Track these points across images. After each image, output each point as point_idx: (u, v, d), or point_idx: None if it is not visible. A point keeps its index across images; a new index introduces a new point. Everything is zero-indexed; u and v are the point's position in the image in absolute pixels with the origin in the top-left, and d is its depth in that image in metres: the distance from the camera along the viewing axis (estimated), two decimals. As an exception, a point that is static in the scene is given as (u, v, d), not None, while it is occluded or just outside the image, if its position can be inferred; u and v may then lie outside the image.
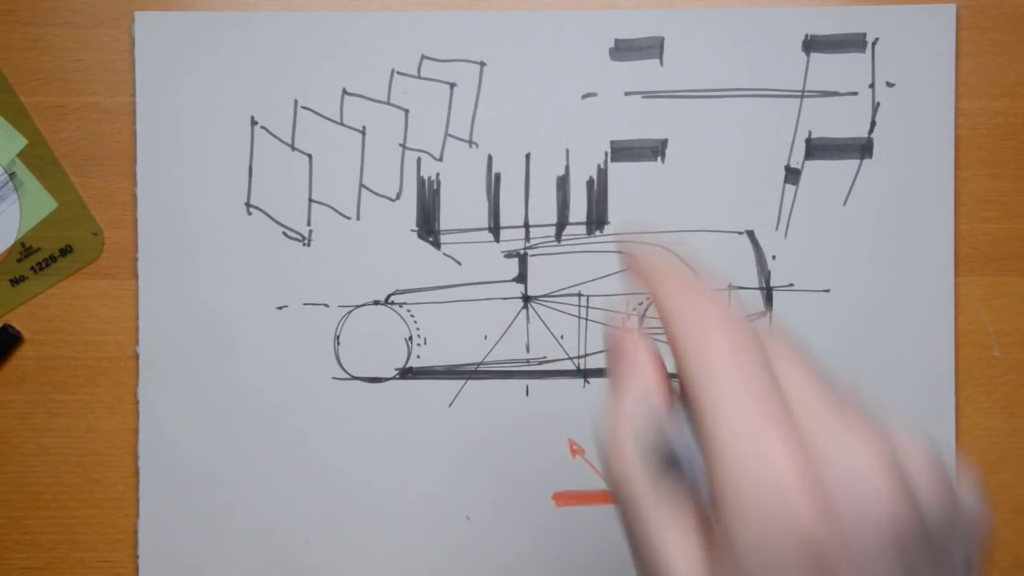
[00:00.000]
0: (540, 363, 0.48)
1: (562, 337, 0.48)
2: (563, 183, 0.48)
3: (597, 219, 0.48)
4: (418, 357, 0.48)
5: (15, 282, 0.49)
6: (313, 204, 0.48)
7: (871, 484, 0.23)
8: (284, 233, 0.48)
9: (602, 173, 0.48)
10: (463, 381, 0.48)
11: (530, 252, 0.48)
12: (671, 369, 0.28)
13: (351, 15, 0.48)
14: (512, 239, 0.48)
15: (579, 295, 0.48)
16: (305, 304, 0.48)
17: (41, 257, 0.48)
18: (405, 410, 0.48)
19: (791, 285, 0.48)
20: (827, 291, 0.48)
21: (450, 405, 0.48)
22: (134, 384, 0.48)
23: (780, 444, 0.23)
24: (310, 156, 0.48)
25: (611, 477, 0.28)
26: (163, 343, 0.48)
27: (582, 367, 0.48)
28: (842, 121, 0.48)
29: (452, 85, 0.48)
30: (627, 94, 0.48)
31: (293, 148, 0.48)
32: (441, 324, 0.48)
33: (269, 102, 0.48)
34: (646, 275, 0.31)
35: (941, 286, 0.48)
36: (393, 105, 0.48)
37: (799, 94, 0.48)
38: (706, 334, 0.26)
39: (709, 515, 0.25)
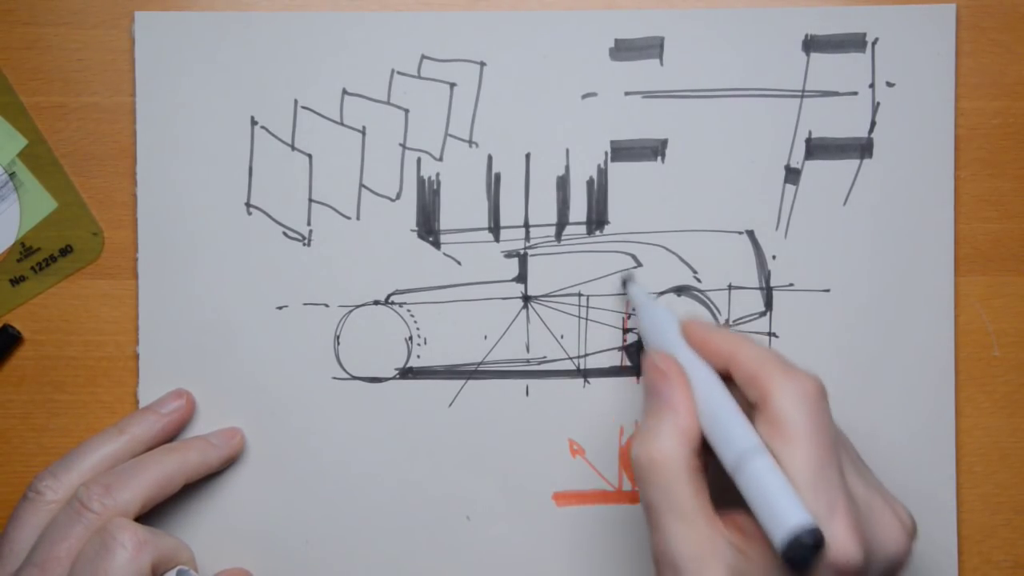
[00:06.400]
0: (540, 363, 0.48)
1: (562, 337, 0.48)
2: (563, 183, 0.48)
3: (597, 219, 0.48)
4: (418, 357, 0.48)
5: (15, 282, 0.49)
6: (313, 204, 0.48)
7: (895, 535, 0.37)
8: (284, 233, 0.48)
9: (602, 173, 0.48)
10: (463, 381, 0.48)
11: (530, 252, 0.48)
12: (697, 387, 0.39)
13: (351, 15, 0.48)
14: (512, 239, 0.48)
15: (579, 295, 0.48)
16: (305, 304, 0.48)
17: (41, 257, 0.49)
18: (405, 410, 0.48)
19: (791, 285, 0.48)
20: (827, 291, 0.48)
21: (450, 405, 0.48)
22: (134, 384, 0.48)
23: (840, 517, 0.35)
24: (310, 156, 0.48)
25: (650, 495, 0.38)
26: (163, 343, 0.48)
27: (582, 367, 0.48)
28: (842, 121, 0.48)
29: (452, 85, 0.48)
30: (627, 94, 0.48)
31: (293, 148, 0.48)
32: (441, 324, 0.48)
33: (269, 102, 0.48)
34: (728, 347, 0.40)
35: (941, 286, 0.48)
36: (393, 105, 0.48)
37: (799, 94, 0.48)
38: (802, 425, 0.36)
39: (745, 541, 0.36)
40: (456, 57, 0.48)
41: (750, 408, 0.38)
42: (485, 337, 0.48)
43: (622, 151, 0.48)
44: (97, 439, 0.44)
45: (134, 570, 0.40)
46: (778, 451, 0.36)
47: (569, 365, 0.48)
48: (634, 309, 0.44)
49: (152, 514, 0.47)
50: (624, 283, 0.47)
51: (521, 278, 0.48)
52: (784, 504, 0.34)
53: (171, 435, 0.47)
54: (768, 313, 0.48)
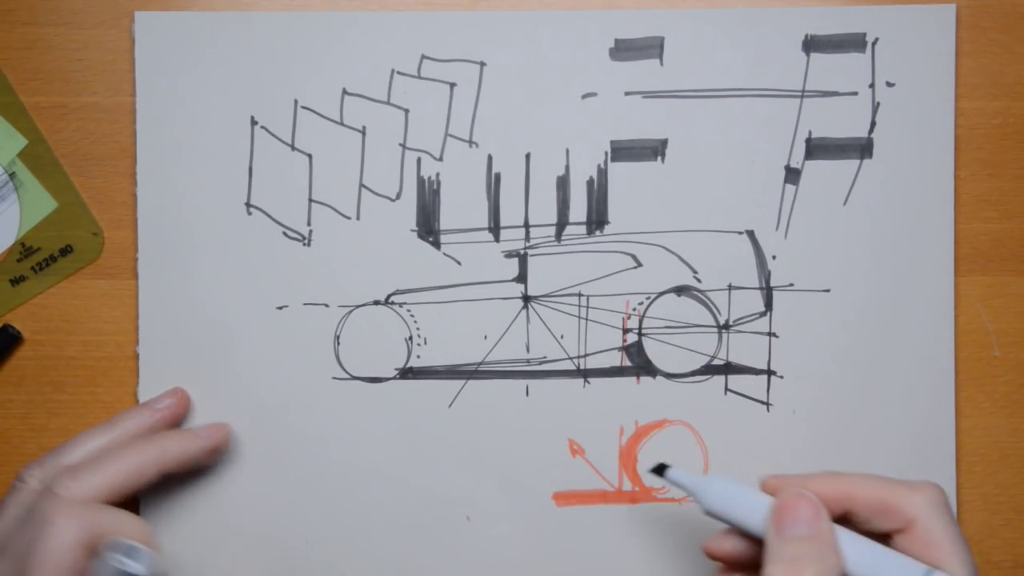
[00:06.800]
0: (540, 363, 0.48)
1: (562, 337, 0.48)
2: (563, 183, 0.48)
3: (597, 219, 0.48)
4: (418, 357, 0.48)
5: (15, 282, 0.49)
6: (313, 204, 0.48)
7: None
8: (284, 233, 0.48)
9: (602, 173, 0.48)
10: (463, 381, 0.48)
11: (530, 252, 0.48)
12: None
13: (351, 15, 0.48)
14: (512, 239, 0.48)
15: (579, 295, 0.48)
16: (305, 304, 0.48)
17: (41, 257, 0.49)
18: (405, 410, 0.48)
19: (791, 285, 0.48)
20: (827, 291, 0.48)
21: (450, 405, 0.48)
22: (134, 384, 0.48)
23: None
24: (310, 156, 0.48)
25: None
26: (163, 343, 0.48)
27: (582, 367, 0.48)
28: (842, 121, 0.48)
29: (452, 85, 0.48)
30: (627, 94, 0.48)
31: (293, 148, 0.48)
32: (441, 324, 0.48)
33: (269, 102, 0.48)
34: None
35: (941, 286, 0.48)
36: (393, 105, 0.48)
37: (799, 94, 0.48)
38: None
39: None
40: (456, 57, 0.48)
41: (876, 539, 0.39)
42: (485, 337, 0.48)
43: (622, 151, 0.48)
44: (89, 432, 0.45)
45: (61, 543, 0.39)
46: (942, 567, 0.37)
47: (569, 365, 0.48)
48: (692, 495, 0.41)
49: (152, 513, 0.47)
50: (661, 473, 0.42)
51: (521, 278, 0.48)
52: None
53: (163, 430, 0.46)
54: (768, 313, 0.48)
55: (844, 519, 0.39)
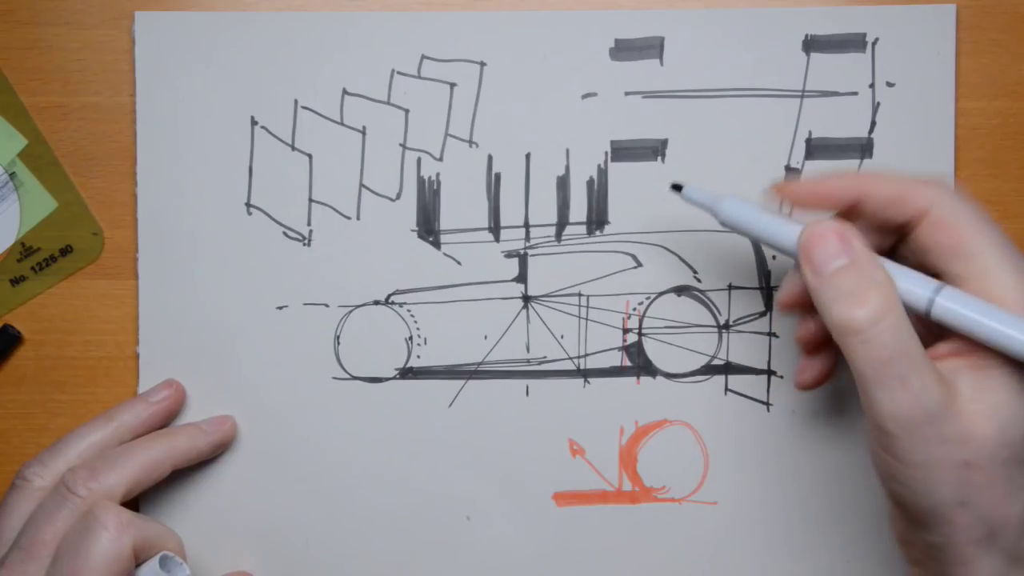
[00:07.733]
0: (540, 363, 0.48)
1: (562, 337, 0.48)
2: (563, 183, 0.48)
3: (597, 219, 0.48)
4: (418, 357, 0.48)
5: (15, 282, 0.49)
6: (313, 204, 0.48)
7: None
8: (284, 233, 0.48)
9: (602, 173, 0.48)
10: (463, 381, 0.48)
11: (530, 252, 0.48)
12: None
13: (351, 15, 0.48)
14: (512, 239, 0.48)
15: (579, 295, 0.48)
16: (305, 304, 0.48)
17: (41, 257, 0.49)
18: (405, 410, 0.48)
19: (791, 285, 0.48)
20: (827, 291, 0.48)
21: (450, 405, 0.48)
22: (134, 384, 0.48)
23: None
24: (310, 156, 0.48)
25: (881, 354, 0.34)
26: (163, 343, 0.48)
27: (582, 367, 0.48)
28: (842, 121, 0.48)
29: (452, 85, 0.48)
30: (627, 94, 0.48)
31: (293, 148, 0.48)
32: (441, 324, 0.48)
33: (269, 102, 0.48)
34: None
35: (941, 286, 0.48)
36: (393, 105, 0.48)
37: (799, 94, 0.48)
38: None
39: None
40: (456, 57, 0.48)
41: (891, 235, 0.38)
42: (485, 337, 0.48)
43: (622, 151, 0.48)
44: (85, 427, 0.45)
45: (115, 551, 0.40)
46: (974, 253, 0.35)
47: (569, 365, 0.48)
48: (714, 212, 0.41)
49: (152, 513, 0.47)
50: (678, 191, 0.43)
51: (521, 278, 0.48)
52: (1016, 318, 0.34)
53: (160, 423, 0.47)
54: (768, 313, 0.48)
55: (853, 214, 0.38)
